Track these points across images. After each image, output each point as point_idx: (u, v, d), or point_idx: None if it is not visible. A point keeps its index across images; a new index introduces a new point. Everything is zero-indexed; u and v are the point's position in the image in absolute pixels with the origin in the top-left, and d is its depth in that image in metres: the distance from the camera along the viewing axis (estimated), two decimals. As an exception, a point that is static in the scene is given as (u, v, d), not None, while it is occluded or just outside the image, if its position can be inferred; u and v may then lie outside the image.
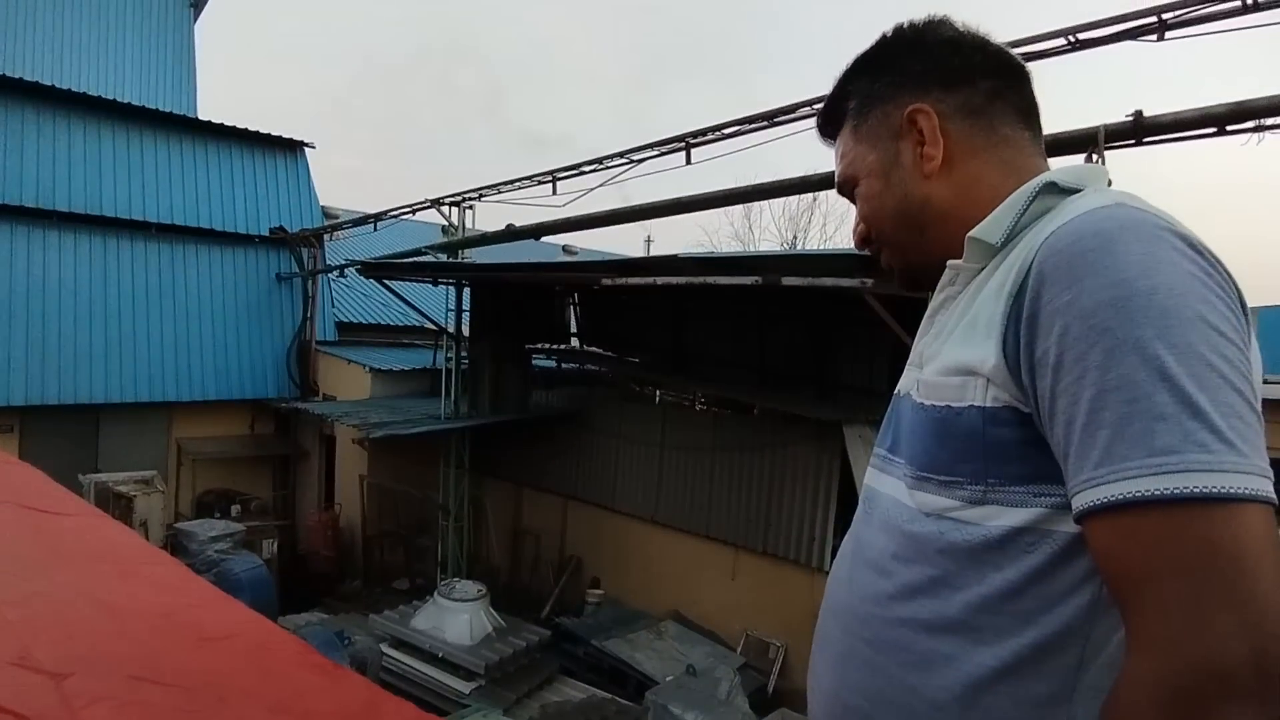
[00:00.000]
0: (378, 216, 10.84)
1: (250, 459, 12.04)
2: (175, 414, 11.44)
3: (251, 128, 12.64)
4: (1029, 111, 0.86)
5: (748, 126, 5.99)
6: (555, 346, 12.00)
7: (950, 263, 0.80)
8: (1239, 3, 4.02)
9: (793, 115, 5.80)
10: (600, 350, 12.20)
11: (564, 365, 12.41)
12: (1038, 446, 0.66)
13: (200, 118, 12.91)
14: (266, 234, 12.52)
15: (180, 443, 11.41)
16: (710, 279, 6.09)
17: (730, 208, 23.25)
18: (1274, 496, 0.56)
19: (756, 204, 23.16)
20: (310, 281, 12.51)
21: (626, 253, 18.55)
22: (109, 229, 10.98)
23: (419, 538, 10.72)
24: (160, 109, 12.30)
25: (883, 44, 0.89)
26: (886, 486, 0.84)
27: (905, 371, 0.88)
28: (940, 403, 0.74)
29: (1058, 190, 0.75)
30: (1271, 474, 0.57)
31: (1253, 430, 0.58)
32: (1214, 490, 0.55)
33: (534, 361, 11.43)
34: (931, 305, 0.85)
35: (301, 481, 12.62)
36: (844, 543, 0.90)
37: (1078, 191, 0.74)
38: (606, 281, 6.89)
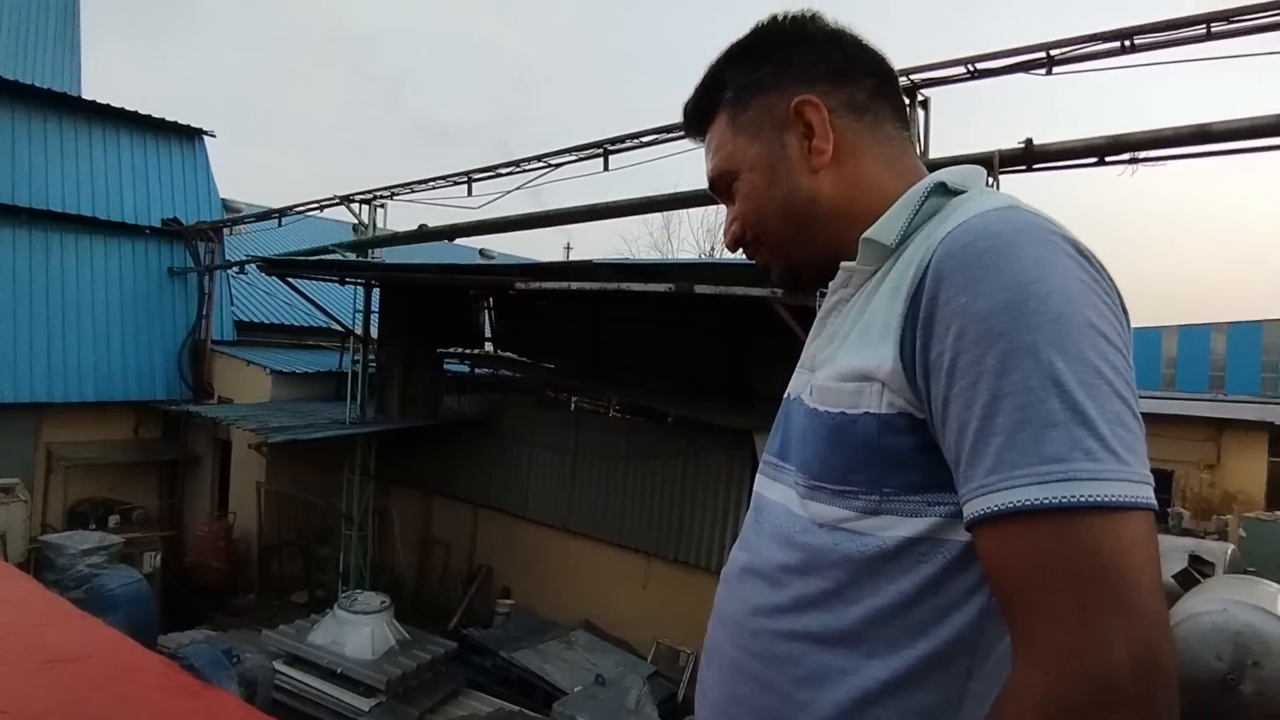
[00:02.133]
0: (282, 212, 10.35)
1: (134, 465, 11.21)
2: (46, 416, 10.53)
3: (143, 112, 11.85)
4: (903, 114, 0.86)
5: (665, 136, 6.03)
6: (469, 351, 11.76)
7: (844, 264, 0.78)
8: (1118, 44, 4.35)
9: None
10: (515, 356, 12.03)
11: (477, 370, 12.18)
12: (932, 454, 0.65)
13: (85, 97, 12.00)
14: (159, 225, 11.73)
15: (50, 448, 10.50)
16: (625, 285, 6.09)
17: (650, 217, 23.49)
18: (1155, 504, 0.57)
19: (676, 214, 23.49)
20: (207, 277, 11.81)
21: (546, 259, 18.42)
22: (-29, 213, 10.05)
23: (320, 548, 10.26)
24: (37, 85, 11.34)
25: (760, 34, 0.85)
26: (777, 494, 0.81)
27: (795, 374, 0.85)
28: (834, 409, 0.72)
29: (946, 191, 0.74)
30: (1153, 481, 0.58)
31: (1135, 438, 0.58)
32: (1098, 499, 0.55)
33: (446, 366, 11.17)
34: (824, 307, 0.83)
35: (192, 489, 11.85)
36: (734, 552, 0.86)
37: (964, 193, 0.74)
38: (521, 285, 6.80)
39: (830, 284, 0.82)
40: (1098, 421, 0.56)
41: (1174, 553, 8.63)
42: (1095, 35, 4.40)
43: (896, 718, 0.65)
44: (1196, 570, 7.98)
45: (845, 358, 0.73)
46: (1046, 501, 0.55)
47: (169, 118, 12.15)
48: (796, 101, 0.81)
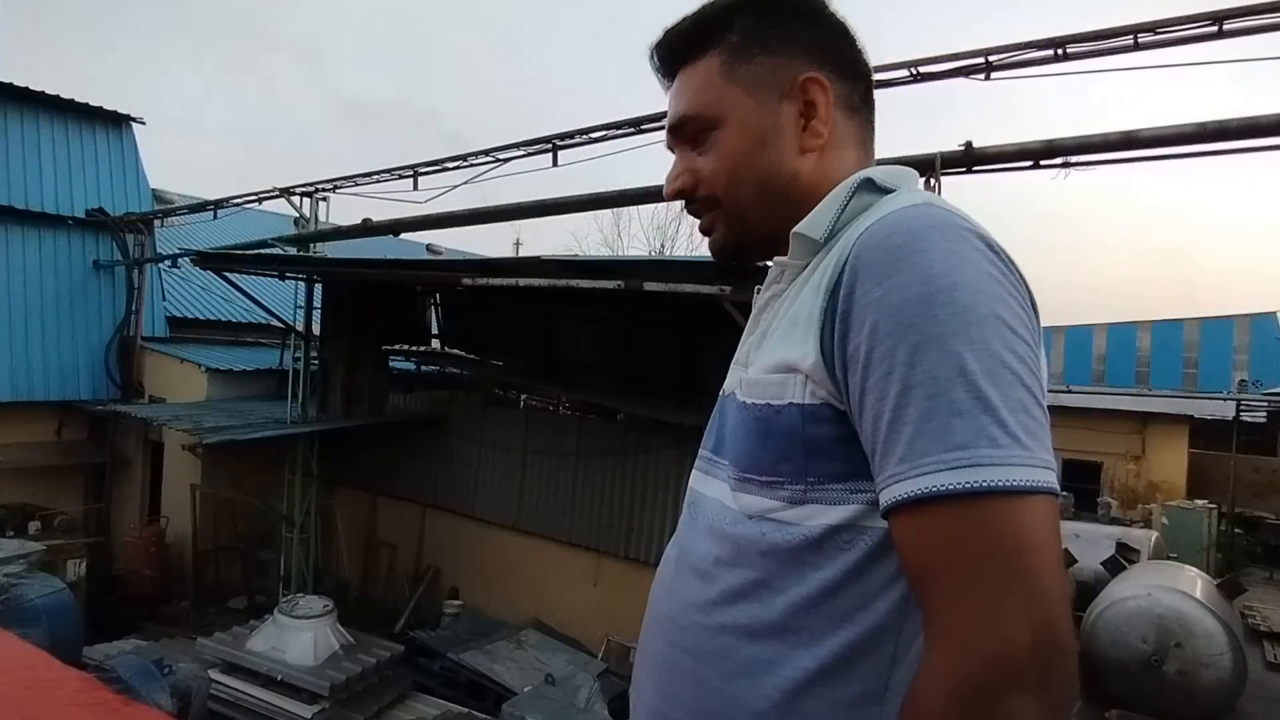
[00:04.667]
0: (218, 203, 9.97)
1: (56, 469, 10.64)
2: (-42, 418, 9.94)
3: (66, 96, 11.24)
4: (873, 125, 0.87)
5: (615, 132, 6.01)
6: (415, 348, 11.53)
7: (776, 260, 0.79)
8: (1052, 52, 4.50)
9: (660, 123, 5.89)
10: (463, 353, 11.85)
11: (424, 368, 11.97)
12: (853, 443, 0.66)
13: None
14: (82, 216, 11.17)
15: (-38, 451, 9.92)
16: (575, 282, 6.05)
17: (600, 214, 23.42)
18: (1056, 488, 0.59)
19: (626, 211, 23.46)
20: (136, 271, 11.30)
21: (495, 255, 18.18)
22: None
23: (260, 552, 9.93)
24: (-53, 66, 10.67)
25: None
26: (711, 490, 0.81)
27: (730, 371, 0.86)
28: (761, 401, 0.73)
29: (874, 188, 0.76)
30: (1055, 466, 0.60)
31: (1039, 424, 0.60)
32: (1000, 484, 0.56)
33: (392, 364, 10.94)
34: (757, 304, 0.83)
35: (120, 493, 11.33)
36: (668, 549, 0.86)
37: (892, 191, 0.75)
38: (468, 281, 6.68)
39: (765, 279, 0.82)
40: (1001, 409, 0.58)
41: (1102, 540, 9.03)
42: (1030, 43, 4.55)
43: (825, 708, 0.66)
44: (1123, 557, 8.36)
45: (773, 351, 0.74)
46: (951, 487, 0.57)
47: (94, 102, 11.56)
48: (805, 77, 0.80)
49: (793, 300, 0.75)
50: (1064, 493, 12.88)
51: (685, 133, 0.84)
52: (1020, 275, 0.66)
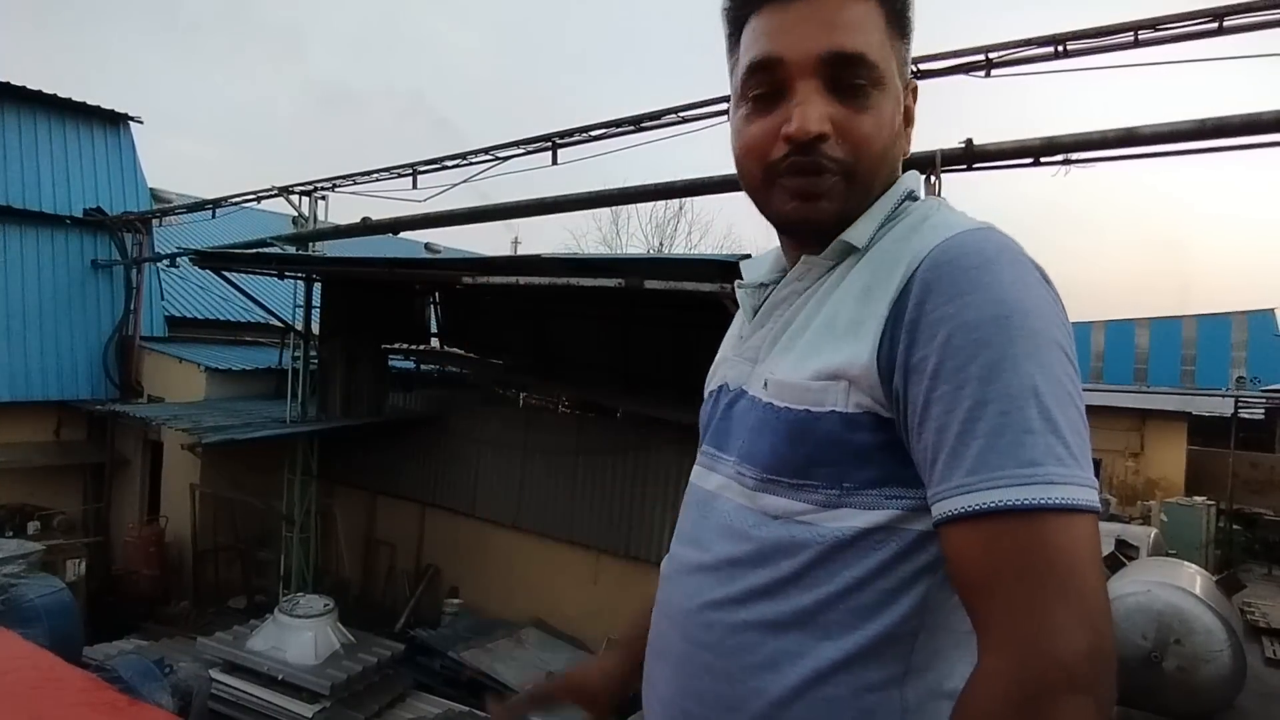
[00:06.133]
0: (216, 202, 9.95)
1: (55, 469, 10.62)
2: (-45, 418, 9.92)
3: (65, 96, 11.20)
4: None
5: (614, 130, 6.01)
6: (414, 347, 11.52)
7: (806, 258, 0.78)
8: (1052, 49, 4.50)
9: (660, 121, 5.89)
10: (462, 352, 11.85)
11: (423, 367, 11.96)
12: (892, 450, 0.68)
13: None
14: (80, 215, 11.13)
15: (-40, 451, 9.90)
16: (574, 280, 6.05)
17: (598, 212, 23.38)
18: (1099, 507, 0.62)
19: (624, 209, 23.45)
20: (135, 270, 11.27)
21: (492, 254, 18.17)
22: None
23: (259, 551, 9.93)
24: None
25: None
26: (713, 485, 0.82)
27: (728, 364, 0.85)
28: (798, 406, 0.72)
29: (910, 198, 0.78)
30: (1097, 484, 0.63)
31: (1088, 445, 0.63)
32: (1067, 502, 0.59)
33: (391, 362, 10.92)
34: (773, 297, 0.82)
35: (120, 493, 11.30)
36: (674, 547, 0.87)
37: (918, 199, 0.78)
38: (468, 280, 6.67)
39: (786, 276, 0.82)
40: (1065, 431, 0.61)
41: (1102, 537, 9.07)
42: (1030, 40, 4.55)
43: (848, 693, 0.68)
44: (1122, 554, 8.38)
45: (811, 355, 0.73)
46: (1024, 502, 0.59)
47: (91, 101, 11.53)
48: (913, 81, 0.81)
49: (821, 301, 0.75)
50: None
51: (845, 75, 0.72)
52: (1061, 299, 0.69)
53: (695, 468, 0.87)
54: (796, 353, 0.75)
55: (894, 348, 0.67)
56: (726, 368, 0.86)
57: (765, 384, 0.77)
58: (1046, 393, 0.61)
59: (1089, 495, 0.61)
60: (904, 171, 0.81)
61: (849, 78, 0.72)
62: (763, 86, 0.75)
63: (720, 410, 0.85)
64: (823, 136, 0.71)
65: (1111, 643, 0.59)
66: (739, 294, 0.89)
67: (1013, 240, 0.69)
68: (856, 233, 0.75)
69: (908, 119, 0.79)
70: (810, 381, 0.72)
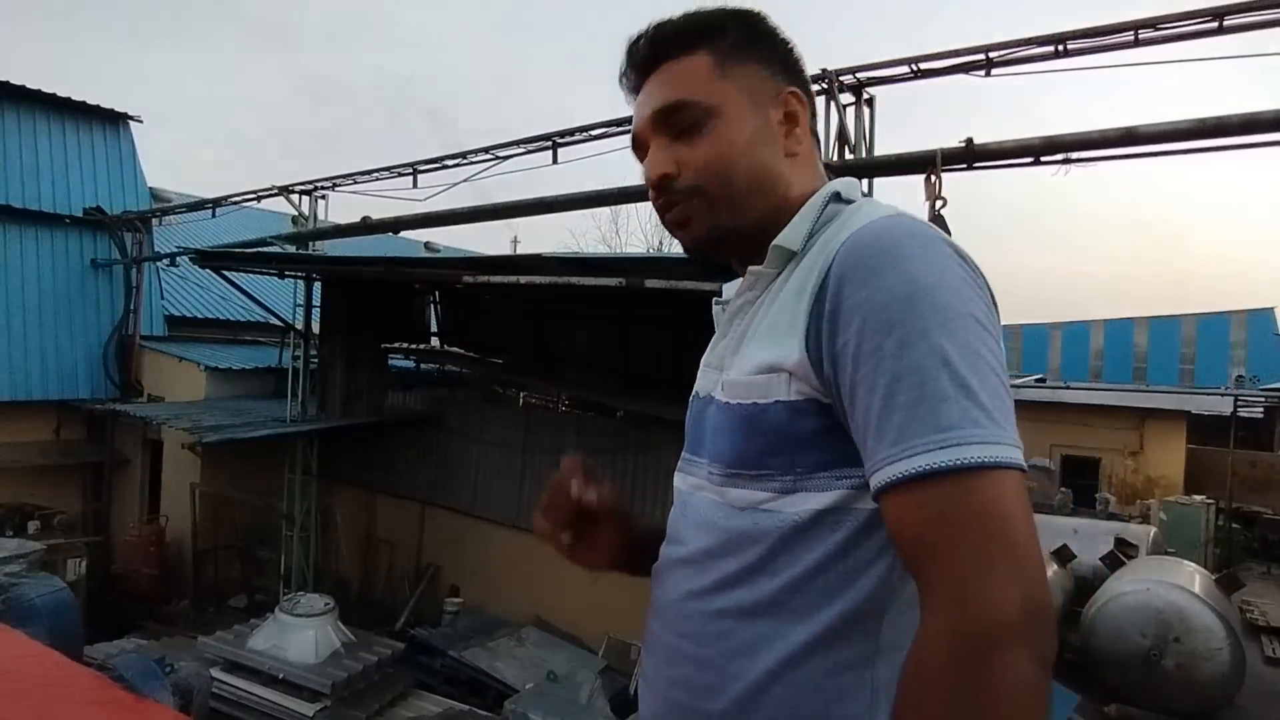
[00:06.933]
0: (216, 202, 9.95)
1: (55, 468, 10.63)
2: (-46, 417, 9.92)
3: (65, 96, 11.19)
4: (820, 148, 0.95)
5: (615, 129, 6.01)
6: (414, 346, 11.52)
7: (751, 269, 0.83)
8: (1052, 48, 4.51)
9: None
10: (462, 351, 11.85)
11: (423, 366, 11.96)
12: (837, 434, 0.72)
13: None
14: (80, 215, 11.13)
15: (-41, 451, 9.90)
16: (575, 280, 6.05)
17: (598, 212, 23.39)
18: (1025, 464, 0.65)
19: (625, 209, 23.42)
20: (134, 270, 11.27)
21: (492, 253, 18.16)
22: None
23: (259, 550, 9.93)
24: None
25: (761, 16, 0.89)
26: (693, 487, 0.87)
27: (701, 374, 0.91)
28: (747, 400, 0.78)
29: (840, 200, 0.83)
30: (1022, 444, 0.66)
31: (1009, 408, 0.67)
32: (986, 459, 0.62)
33: (391, 362, 10.93)
34: (730, 310, 0.88)
35: (120, 492, 11.31)
36: (663, 547, 0.91)
37: (852, 202, 0.83)
38: (468, 279, 6.68)
39: (739, 286, 0.87)
40: (980, 394, 0.64)
41: (1101, 536, 9.05)
42: (1030, 39, 4.56)
43: (821, 674, 0.72)
44: (1122, 552, 8.39)
45: (755, 354, 0.79)
46: (943, 464, 0.62)
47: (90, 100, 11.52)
48: (790, 90, 0.86)
49: (768, 306, 0.81)
50: (1060, 485, 12.96)
51: (674, 121, 0.84)
52: (984, 278, 0.73)
53: (676, 473, 0.92)
54: (745, 354, 0.81)
55: (819, 338, 0.72)
56: (700, 377, 0.92)
57: (722, 387, 0.83)
58: (959, 361, 0.64)
59: (1009, 453, 0.63)
60: (830, 173, 0.89)
61: (679, 122, 0.83)
62: (639, 157, 0.90)
63: (693, 417, 0.91)
64: (666, 176, 0.84)
65: (1045, 593, 0.61)
66: (714, 311, 0.95)
67: (923, 224, 0.74)
68: (788, 236, 0.80)
69: (792, 122, 0.86)
70: (754, 376, 0.77)
